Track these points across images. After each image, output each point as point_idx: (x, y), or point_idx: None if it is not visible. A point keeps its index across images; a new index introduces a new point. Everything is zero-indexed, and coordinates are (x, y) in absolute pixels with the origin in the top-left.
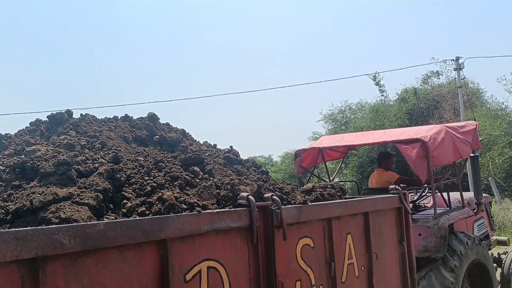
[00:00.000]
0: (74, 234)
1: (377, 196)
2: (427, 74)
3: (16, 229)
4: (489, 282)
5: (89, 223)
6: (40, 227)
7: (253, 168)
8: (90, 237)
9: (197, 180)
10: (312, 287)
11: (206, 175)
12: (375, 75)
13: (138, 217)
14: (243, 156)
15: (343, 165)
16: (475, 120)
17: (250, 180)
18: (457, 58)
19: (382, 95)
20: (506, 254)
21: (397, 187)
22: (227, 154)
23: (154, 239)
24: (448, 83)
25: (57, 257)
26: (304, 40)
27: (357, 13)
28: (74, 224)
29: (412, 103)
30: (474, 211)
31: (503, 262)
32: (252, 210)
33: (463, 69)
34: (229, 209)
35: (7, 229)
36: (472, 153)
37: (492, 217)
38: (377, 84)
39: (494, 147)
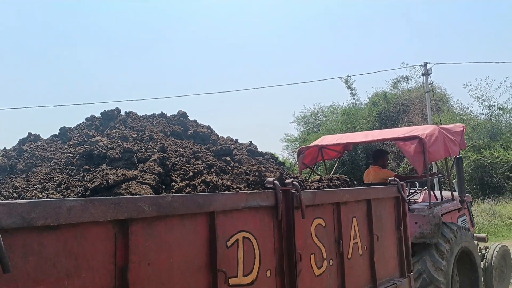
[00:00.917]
0: (152, 203)
1: (378, 186)
2: (397, 78)
3: (114, 196)
4: (475, 269)
5: (161, 195)
6: (128, 196)
7: (271, 160)
8: (161, 206)
9: (229, 168)
10: (324, 260)
11: (236, 164)
12: (347, 79)
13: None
14: None
15: (315, 167)
16: (441, 124)
17: (273, 168)
18: (425, 64)
19: (354, 98)
20: (487, 249)
21: (396, 178)
22: (249, 147)
23: (205, 211)
24: (417, 88)
25: (139, 220)
26: (277, 42)
27: (330, 17)
28: (151, 195)
29: (382, 106)
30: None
31: (485, 256)
32: (277, 192)
33: (431, 75)
34: (259, 191)
35: (107, 197)
36: (459, 154)
37: (472, 215)
38: (349, 87)
39: None
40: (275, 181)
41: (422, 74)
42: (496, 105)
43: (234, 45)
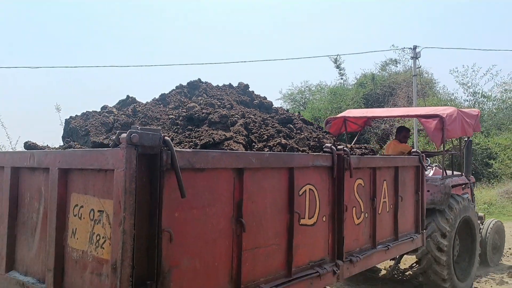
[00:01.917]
0: (256, 157)
1: (404, 156)
2: (385, 61)
3: (236, 151)
4: (473, 236)
5: (261, 152)
6: (242, 151)
7: (318, 129)
8: (262, 160)
9: (293, 134)
10: (362, 213)
11: (298, 131)
12: (336, 58)
13: None
14: None
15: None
16: None
17: (327, 136)
18: (415, 47)
19: (342, 78)
20: (483, 223)
21: (418, 150)
22: (302, 117)
23: (287, 166)
24: (405, 71)
25: (248, 169)
26: (268, 17)
27: None
28: (256, 152)
29: (369, 88)
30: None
31: (481, 230)
32: (334, 155)
33: (419, 58)
34: (322, 154)
35: (230, 150)
36: (471, 137)
37: (473, 194)
38: (338, 67)
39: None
40: (332, 146)
41: (411, 57)
42: (480, 92)
43: (223, 16)
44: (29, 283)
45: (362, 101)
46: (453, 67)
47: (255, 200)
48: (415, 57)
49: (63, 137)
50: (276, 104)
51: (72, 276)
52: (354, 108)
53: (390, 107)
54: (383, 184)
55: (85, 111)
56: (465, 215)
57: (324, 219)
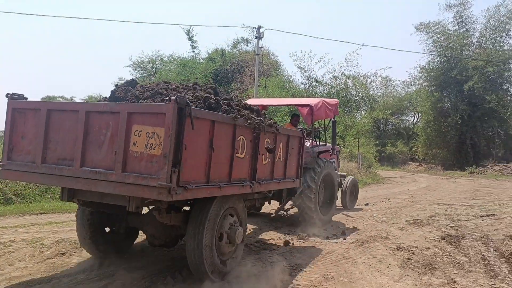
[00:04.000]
0: (221, 116)
1: (294, 129)
2: (237, 39)
3: (214, 112)
4: (333, 187)
5: (220, 114)
6: (216, 112)
7: (256, 112)
8: (223, 117)
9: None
10: (267, 158)
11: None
12: (189, 30)
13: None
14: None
15: None
16: (266, 87)
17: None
18: (259, 27)
19: (193, 51)
20: (344, 179)
21: (301, 128)
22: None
23: (233, 124)
24: (253, 51)
25: (217, 122)
26: None
27: None
28: (221, 114)
29: (219, 63)
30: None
31: (342, 184)
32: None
33: (263, 39)
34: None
35: (210, 111)
36: (334, 119)
37: (339, 159)
38: (190, 39)
39: (278, 114)
40: (259, 118)
41: (255, 37)
42: (314, 77)
43: None
44: (101, 170)
45: (211, 76)
46: (293, 51)
47: (219, 138)
48: (259, 37)
49: (110, 101)
50: (125, 71)
51: (132, 163)
52: (202, 82)
53: (237, 84)
54: (281, 144)
55: (126, 85)
56: (326, 172)
57: (247, 156)
